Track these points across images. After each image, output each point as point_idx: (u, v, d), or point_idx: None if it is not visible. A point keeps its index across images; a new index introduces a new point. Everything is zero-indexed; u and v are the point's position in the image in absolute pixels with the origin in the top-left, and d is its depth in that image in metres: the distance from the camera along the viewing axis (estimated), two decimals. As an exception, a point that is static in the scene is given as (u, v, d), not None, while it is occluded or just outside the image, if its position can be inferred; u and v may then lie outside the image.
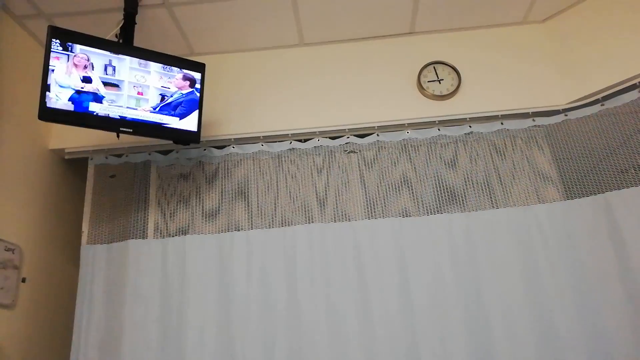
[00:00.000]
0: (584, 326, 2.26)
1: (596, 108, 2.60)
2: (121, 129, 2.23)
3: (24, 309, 2.43)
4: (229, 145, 2.79)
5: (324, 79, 2.86)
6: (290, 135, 2.78)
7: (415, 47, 2.89)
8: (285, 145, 2.77)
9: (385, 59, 2.88)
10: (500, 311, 2.32)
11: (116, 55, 2.24)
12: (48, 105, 2.06)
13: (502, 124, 2.72)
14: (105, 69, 2.21)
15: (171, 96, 2.37)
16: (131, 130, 2.25)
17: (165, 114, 2.34)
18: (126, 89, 2.25)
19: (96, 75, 2.18)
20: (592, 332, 2.25)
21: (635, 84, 2.50)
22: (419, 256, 2.45)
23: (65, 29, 2.13)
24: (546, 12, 2.81)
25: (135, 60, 2.29)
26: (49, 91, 2.07)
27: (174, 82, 2.38)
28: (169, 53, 2.43)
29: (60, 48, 2.11)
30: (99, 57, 2.20)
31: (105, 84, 2.20)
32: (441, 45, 2.88)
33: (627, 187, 2.37)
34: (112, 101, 2.21)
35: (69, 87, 2.12)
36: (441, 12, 2.76)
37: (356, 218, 2.61)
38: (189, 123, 2.41)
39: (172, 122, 2.36)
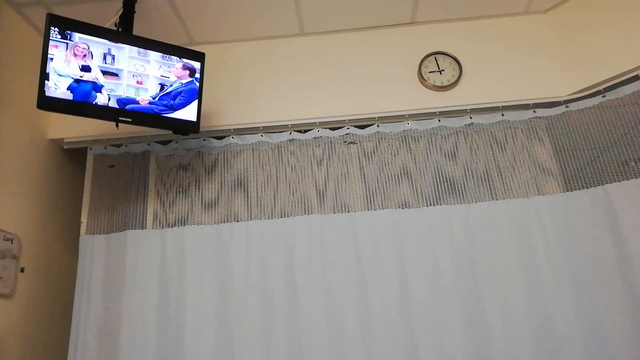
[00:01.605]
0: (582, 318, 2.26)
1: (597, 99, 2.59)
2: (120, 118, 2.22)
3: (23, 298, 2.43)
4: (228, 136, 2.78)
5: (324, 69, 2.85)
6: (290, 125, 2.77)
7: (417, 37, 2.87)
8: (285, 136, 2.77)
9: (386, 49, 2.86)
10: (499, 302, 2.32)
11: (115, 44, 2.23)
12: (47, 94, 2.05)
13: (502, 115, 2.71)
14: (105, 58, 2.20)
15: (171, 85, 2.35)
16: (130, 120, 2.24)
17: (165, 104, 2.33)
18: (125, 78, 2.24)
19: (95, 64, 2.17)
20: (590, 323, 2.25)
21: (637, 75, 2.49)
22: (418, 247, 2.44)
23: (64, 17, 2.11)
24: (548, 2, 2.79)
25: (135, 49, 2.27)
26: (48, 80, 2.06)
27: (173, 71, 2.37)
28: (168, 42, 2.42)
29: (59, 36, 2.10)
30: (98, 45, 2.18)
31: (105, 73, 2.19)
32: (442, 36, 2.86)
33: (627, 179, 2.36)
34: (111, 90, 2.20)
35: (67, 76, 2.10)
36: (443, 2, 2.74)
37: (355, 209, 2.61)
38: (189, 113, 2.40)
39: (172, 111, 2.35)
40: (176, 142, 2.80)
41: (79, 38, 2.14)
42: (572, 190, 2.51)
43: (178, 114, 2.36)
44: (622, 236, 2.28)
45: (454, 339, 2.28)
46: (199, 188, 2.72)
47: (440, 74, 2.74)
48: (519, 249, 2.40)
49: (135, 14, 2.50)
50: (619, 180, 2.40)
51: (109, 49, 2.21)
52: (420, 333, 2.30)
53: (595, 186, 2.45)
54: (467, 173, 2.64)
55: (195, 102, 2.41)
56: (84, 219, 2.67)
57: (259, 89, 2.83)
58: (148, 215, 2.68)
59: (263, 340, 2.34)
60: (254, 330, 2.36)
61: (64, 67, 2.10)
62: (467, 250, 2.42)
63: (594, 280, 2.30)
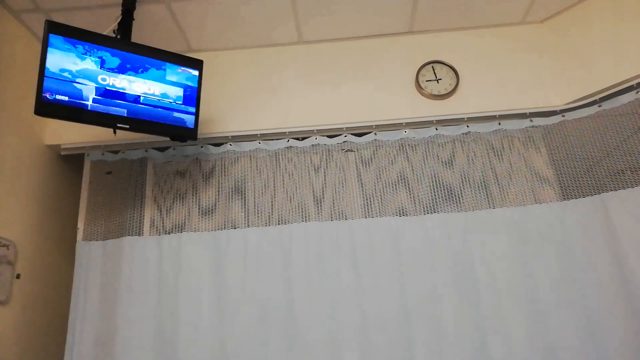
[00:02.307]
0: (579, 327, 2.26)
1: (593, 109, 2.60)
2: (118, 125, 2.22)
3: (18, 305, 2.42)
4: (226, 143, 2.78)
5: (322, 77, 2.85)
6: (287, 133, 2.77)
7: (414, 46, 2.89)
8: (282, 144, 2.77)
9: (384, 57, 2.88)
10: (496, 311, 2.32)
11: (114, 51, 2.23)
12: (44, 100, 2.05)
13: (499, 124, 2.72)
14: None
15: (169, 93, 2.35)
16: (128, 127, 2.24)
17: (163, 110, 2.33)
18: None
19: (93, 70, 2.17)
20: (587, 332, 2.25)
21: (633, 85, 2.51)
22: (415, 255, 2.44)
23: (62, 24, 2.11)
24: (545, 12, 2.81)
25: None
26: (46, 86, 2.06)
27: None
28: (166, 49, 2.42)
29: (58, 43, 2.10)
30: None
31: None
32: (440, 45, 2.88)
33: (624, 189, 2.37)
34: (109, 97, 2.20)
35: (65, 82, 2.10)
36: (440, 11, 2.75)
37: (353, 217, 2.61)
38: (186, 120, 2.39)
39: (169, 118, 2.35)
40: (173, 149, 2.80)
41: (78, 45, 2.14)
42: (568, 199, 2.52)
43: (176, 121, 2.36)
44: (619, 244, 2.29)
45: (452, 347, 2.28)
46: (196, 195, 2.71)
47: (438, 82, 2.76)
48: (516, 257, 2.40)
49: (133, 21, 2.50)
50: (615, 189, 2.41)
51: (107, 55, 2.21)
52: (419, 341, 2.30)
53: (591, 195, 2.45)
54: (464, 181, 2.64)
55: (193, 109, 2.41)
56: (80, 226, 2.66)
57: (257, 96, 2.83)
58: (145, 222, 2.68)
59: (259, 348, 2.33)
60: (251, 337, 2.35)
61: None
62: (464, 258, 2.43)
63: (590, 288, 2.30)
